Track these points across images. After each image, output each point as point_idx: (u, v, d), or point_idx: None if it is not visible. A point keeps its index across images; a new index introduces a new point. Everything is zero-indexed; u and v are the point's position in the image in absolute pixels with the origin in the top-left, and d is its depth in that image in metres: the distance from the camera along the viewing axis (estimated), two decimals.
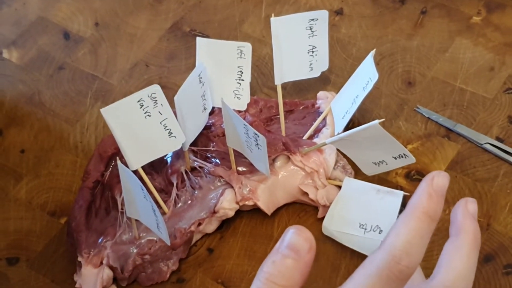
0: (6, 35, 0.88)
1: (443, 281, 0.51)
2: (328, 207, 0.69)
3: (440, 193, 0.50)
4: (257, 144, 0.64)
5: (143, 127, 0.66)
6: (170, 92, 0.69)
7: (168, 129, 0.67)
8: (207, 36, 0.85)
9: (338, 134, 0.70)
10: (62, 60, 0.85)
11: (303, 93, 0.80)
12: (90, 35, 0.87)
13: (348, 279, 0.49)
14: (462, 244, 0.52)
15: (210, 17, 0.88)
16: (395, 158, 0.66)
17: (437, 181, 0.50)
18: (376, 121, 0.62)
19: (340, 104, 0.72)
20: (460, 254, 0.52)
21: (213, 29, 0.87)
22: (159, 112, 0.66)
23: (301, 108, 0.78)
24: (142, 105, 0.65)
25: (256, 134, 0.63)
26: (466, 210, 0.53)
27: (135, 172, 0.66)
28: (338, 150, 0.71)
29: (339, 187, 0.70)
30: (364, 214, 0.67)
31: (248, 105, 0.75)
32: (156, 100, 0.65)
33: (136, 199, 0.64)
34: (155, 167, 0.72)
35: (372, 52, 0.70)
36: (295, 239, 0.46)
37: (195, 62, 0.74)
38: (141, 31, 0.87)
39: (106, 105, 0.79)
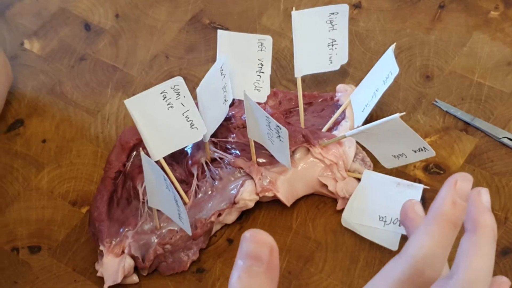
0: (28, 26, 0.89)
1: (462, 282, 0.50)
2: (347, 199, 0.70)
3: (463, 198, 0.48)
4: (279, 136, 0.65)
5: (165, 118, 0.67)
6: (189, 84, 0.69)
7: (190, 121, 0.67)
8: (226, 29, 0.86)
9: (358, 127, 0.71)
10: (83, 51, 0.86)
11: (321, 85, 0.81)
12: (111, 26, 0.88)
13: (368, 285, 0.48)
14: (479, 241, 0.51)
15: (229, 10, 0.88)
16: (415, 152, 0.66)
17: (460, 185, 0.48)
18: (397, 115, 0.62)
19: (360, 97, 0.73)
20: (479, 253, 0.51)
21: (232, 22, 0.87)
22: (182, 103, 0.67)
23: (319, 100, 0.78)
24: (165, 97, 0.66)
25: (278, 126, 0.63)
26: (481, 202, 0.52)
27: (157, 162, 0.66)
28: (357, 142, 0.72)
29: (358, 179, 0.71)
30: (383, 207, 0.67)
31: (268, 97, 0.76)
32: (179, 92, 0.66)
33: (159, 190, 0.64)
34: (176, 158, 0.73)
35: (393, 46, 0.71)
36: (251, 248, 0.44)
37: (215, 54, 0.75)
38: (161, 23, 0.88)
39: (127, 96, 0.81)
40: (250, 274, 0.44)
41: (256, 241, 0.44)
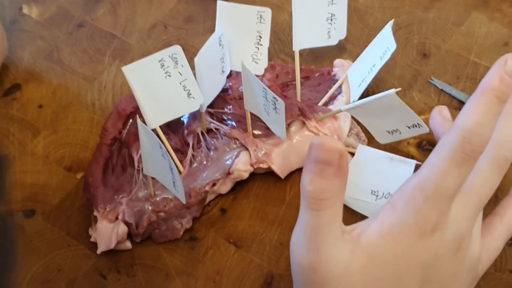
0: None
1: (492, 144, 0.55)
2: None
3: (511, 76, 0.51)
4: (275, 108, 0.65)
5: (162, 86, 0.67)
6: (187, 54, 0.69)
7: (187, 90, 0.68)
8: (225, 0, 0.86)
9: (354, 101, 0.71)
10: (82, 18, 0.86)
11: (319, 60, 0.81)
12: None
13: (423, 164, 0.52)
14: (509, 107, 0.56)
15: None
16: (409, 128, 0.67)
17: (510, 63, 0.51)
18: (393, 90, 0.63)
19: (357, 73, 0.73)
20: (509, 117, 0.56)
21: None
22: (179, 72, 0.67)
23: (316, 75, 0.79)
24: (163, 65, 0.66)
25: (275, 97, 0.64)
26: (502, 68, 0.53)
27: (153, 131, 0.67)
28: (352, 117, 0.72)
29: (352, 154, 0.71)
30: (376, 181, 0.68)
31: (265, 70, 0.76)
32: (177, 61, 0.66)
33: (154, 157, 0.65)
34: (172, 127, 0.74)
35: (391, 22, 0.71)
36: (321, 154, 0.48)
37: (213, 25, 0.75)
38: None
39: (124, 64, 0.80)
40: (321, 176, 0.49)
41: (326, 149, 0.48)
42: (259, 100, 0.67)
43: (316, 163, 0.49)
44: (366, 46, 0.75)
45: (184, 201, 0.66)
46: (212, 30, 0.82)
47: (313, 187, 0.50)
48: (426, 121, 0.74)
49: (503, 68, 0.51)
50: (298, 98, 0.75)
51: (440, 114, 0.68)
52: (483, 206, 0.57)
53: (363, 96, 0.73)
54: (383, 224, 0.53)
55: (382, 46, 0.70)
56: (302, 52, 0.79)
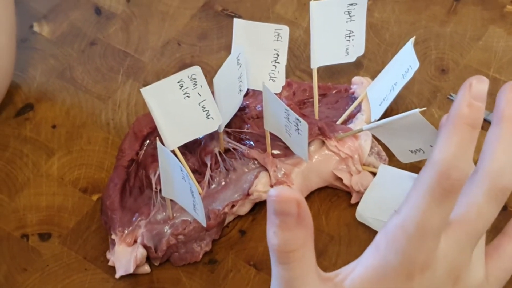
0: (37, 9, 0.87)
1: (486, 173, 0.51)
2: (362, 193, 0.69)
3: (480, 100, 0.49)
4: (298, 129, 0.64)
5: (181, 108, 0.66)
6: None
7: (206, 111, 0.67)
8: (239, 16, 0.85)
9: (375, 121, 0.70)
10: (94, 35, 0.85)
11: (335, 77, 0.80)
12: (122, 11, 0.87)
13: (403, 202, 0.51)
14: (503, 133, 0.52)
15: None
16: (432, 147, 0.66)
17: (475, 87, 0.49)
18: (417, 110, 0.62)
19: (377, 91, 0.72)
20: (502, 144, 0.52)
21: (245, 9, 0.86)
22: (198, 93, 0.66)
23: (333, 92, 0.78)
24: (182, 86, 0.65)
25: (297, 119, 0.63)
26: (510, 94, 0.52)
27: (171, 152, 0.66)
28: (373, 135, 0.71)
29: (373, 173, 0.70)
30: (399, 202, 0.67)
31: (282, 87, 0.75)
32: (196, 81, 0.65)
33: (174, 180, 0.64)
34: (189, 148, 0.72)
35: (412, 40, 0.70)
36: (278, 207, 0.47)
37: (227, 42, 0.74)
38: (173, 9, 0.87)
39: (138, 83, 0.80)
40: (283, 228, 0.47)
41: (281, 200, 0.47)
42: (280, 121, 0.65)
43: (276, 215, 0.47)
44: (383, 62, 0.74)
45: (205, 225, 0.65)
46: (226, 47, 0.82)
47: (277, 240, 0.48)
48: None
49: (469, 94, 0.49)
50: (316, 116, 0.74)
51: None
52: (482, 236, 0.54)
53: (383, 114, 0.72)
54: (367, 268, 0.52)
55: (404, 64, 0.69)
56: (318, 69, 0.78)
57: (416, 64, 0.68)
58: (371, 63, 0.81)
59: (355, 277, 0.52)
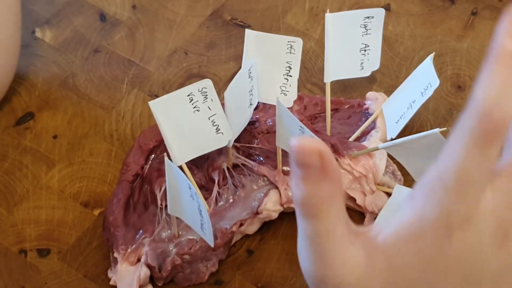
0: (40, 14, 0.84)
1: (477, 99, 0.47)
2: (376, 214, 0.67)
3: None
4: None
5: (190, 122, 0.63)
6: None
7: (216, 125, 0.64)
8: (248, 26, 0.82)
9: (392, 139, 0.67)
10: (98, 42, 0.82)
11: (348, 91, 0.78)
12: (127, 18, 0.84)
13: (441, 152, 0.45)
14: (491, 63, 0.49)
15: (252, 6, 0.85)
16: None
17: None
18: (437, 130, 0.59)
19: (394, 108, 0.70)
20: (490, 74, 0.48)
21: (254, 19, 0.84)
22: (208, 107, 0.63)
23: (346, 107, 0.75)
24: (192, 100, 0.62)
25: (312, 136, 0.60)
26: None
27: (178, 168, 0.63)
28: (388, 154, 0.68)
29: (388, 193, 0.67)
30: None
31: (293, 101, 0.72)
32: (207, 95, 0.63)
33: (181, 197, 0.61)
34: (196, 162, 0.70)
35: (431, 56, 0.67)
36: (300, 159, 0.42)
37: (236, 52, 0.71)
38: (180, 16, 0.84)
39: (143, 93, 0.78)
40: (306, 180, 0.43)
41: (302, 151, 0.42)
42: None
43: (298, 167, 0.44)
44: (396, 76, 0.71)
45: (212, 245, 0.62)
46: (235, 57, 0.79)
47: (300, 192, 0.44)
48: None
49: (509, 23, 0.46)
50: (328, 132, 0.71)
51: None
52: None
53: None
54: (403, 222, 0.48)
55: (423, 81, 0.67)
56: (330, 83, 0.75)
57: (436, 82, 0.65)
58: (384, 77, 0.78)
59: (390, 232, 0.48)
